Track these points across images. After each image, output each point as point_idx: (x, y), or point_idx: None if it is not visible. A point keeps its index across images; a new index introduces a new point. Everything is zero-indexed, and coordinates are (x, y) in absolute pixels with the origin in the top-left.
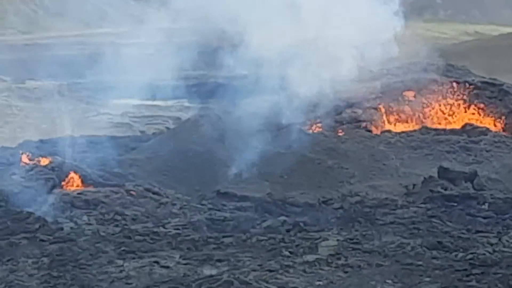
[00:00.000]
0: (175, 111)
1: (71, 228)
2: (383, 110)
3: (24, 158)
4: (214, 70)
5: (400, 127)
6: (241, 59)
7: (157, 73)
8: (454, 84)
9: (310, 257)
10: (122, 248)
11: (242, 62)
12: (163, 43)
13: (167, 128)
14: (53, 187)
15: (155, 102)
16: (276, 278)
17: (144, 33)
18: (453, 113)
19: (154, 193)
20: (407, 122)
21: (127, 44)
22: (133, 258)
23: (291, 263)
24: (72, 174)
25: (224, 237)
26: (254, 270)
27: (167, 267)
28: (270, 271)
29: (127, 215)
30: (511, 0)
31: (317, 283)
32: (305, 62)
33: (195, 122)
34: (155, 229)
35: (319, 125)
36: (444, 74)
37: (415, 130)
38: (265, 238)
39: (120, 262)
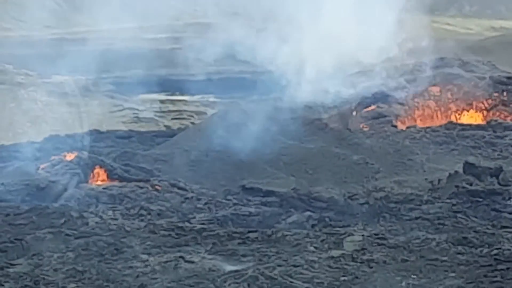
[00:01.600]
0: (200, 106)
1: (96, 222)
2: (408, 105)
3: (51, 153)
4: (240, 65)
5: (425, 123)
6: (266, 55)
7: (183, 68)
8: (479, 80)
9: (335, 253)
10: (147, 243)
11: (267, 57)
12: (189, 37)
13: (192, 123)
14: (79, 182)
15: (180, 97)
16: (301, 274)
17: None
18: (479, 108)
19: (179, 188)
20: (432, 117)
21: (152, 39)
22: (158, 253)
23: (316, 259)
24: (97, 169)
25: (249, 232)
26: (279, 266)
27: (192, 262)
28: (295, 266)
29: (152, 210)
30: None
31: (342, 278)
32: (330, 58)
33: (220, 117)
34: (180, 224)
35: (345, 120)
36: (470, 70)
37: (440, 126)
38: (290, 233)
39: (145, 257)
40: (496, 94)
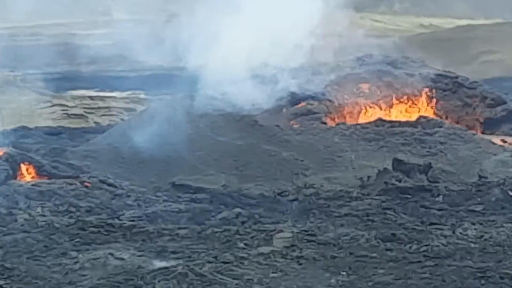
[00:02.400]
0: (130, 103)
1: (25, 219)
2: (338, 102)
3: None
4: (171, 61)
5: (355, 120)
6: (198, 50)
7: (113, 64)
8: (409, 76)
9: (264, 249)
10: (77, 240)
11: (199, 52)
12: (120, 34)
13: (122, 119)
14: (7, 178)
15: (110, 94)
16: (231, 270)
17: (101, 24)
18: (408, 105)
19: (109, 184)
20: (361, 114)
21: (83, 35)
22: (88, 250)
23: (246, 255)
24: (26, 165)
25: (179, 229)
26: (209, 262)
27: (122, 259)
28: (225, 263)
29: (81, 206)
30: None
31: (272, 275)
32: (260, 54)
33: (150, 113)
34: (109, 221)
35: (275, 117)
36: (399, 67)
37: (369, 123)
38: (220, 230)
39: (74, 253)
40: (426, 91)
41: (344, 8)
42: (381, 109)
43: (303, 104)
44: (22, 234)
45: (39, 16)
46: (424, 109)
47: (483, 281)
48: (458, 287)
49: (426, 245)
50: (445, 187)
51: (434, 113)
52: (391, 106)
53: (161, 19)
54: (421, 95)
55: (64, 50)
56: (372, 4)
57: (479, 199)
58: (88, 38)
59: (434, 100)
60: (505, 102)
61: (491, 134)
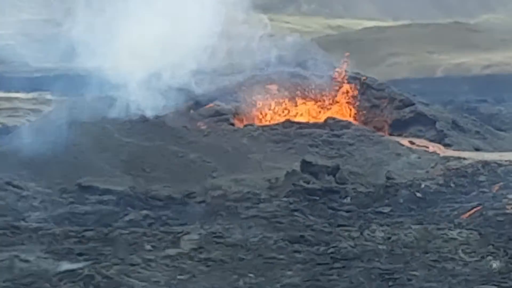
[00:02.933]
0: (37, 104)
1: None
2: (246, 103)
3: None
4: (77, 63)
5: (263, 121)
6: (104, 51)
7: (18, 65)
8: (318, 78)
9: (172, 251)
10: None
11: (105, 54)
12: (23, 35)
13: (28, 120)
14: None
15: (16, 94)
16: (138, 272)
17: (6, 25)
18: (317, 106)
19: (14, 186)
20: (270, 116)
21: None
22: None
23: (153, 257)
24: None
25: (85, 230)
26: (116, 264)
27: (27, 261)
28: (132, 265)
29: None
30: None
31: (179, 277)
32: (165, 55)
33: (56, 114)
34: (15, 223)
35: (182, 118)
36: (308, 68)
37: (277, 124)
38: (127, 232)
39: None
40: (333, 93)
41: (250, 9)
42: (289, 110)
43: (211, 105)
44: None
45: None
46: (332, 110)
47: (390, 283)
48: None
49: (334, 247)
50: (353, 188)
51: (342, 115)
52: (299, 108)
53: (67, 20)
54: (329, 96)
55: None
56: (281, 6)
57: (386, 200)
58: None
59: (342, 101)
60: (412, 104)
61: (399, 135)
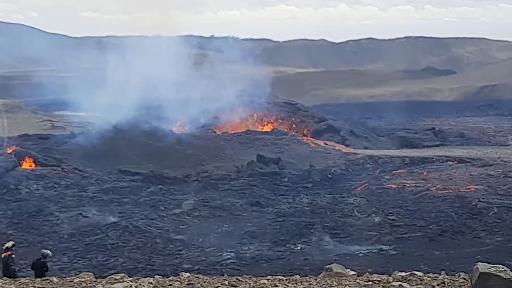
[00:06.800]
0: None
1: (26, 192)
2: (223, 119)
3: None
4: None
5: (233, 130)
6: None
7: None
8: (267, 104)
9: (177, 211)
10: (59, 205)
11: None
12: None
13: (88, 129)
14: (15, 166)
15: None
16: (156, 224)
17: None
18: (267, 121)
19: (79, 170)
20: (237, 127)
21: None
22: (65, 211)
23: (165, 214)
24: (27, 158)
25: (123, 198)
26: (142, 219)
27: (87, 216)
28: (152, 219)
29: (61, 184)
30: (303, 52)
31: (181, 226)
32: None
33: (102, 124)
34: (79, 193)
35: (183, 128)
36: (261, 97)
37: (242, 132)
38: (149, 199)
39: (57, 214)
40: (277, 113)
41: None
42: (250, 123)
43: (202, 119)
44: (24, 201)
45: None
46: (276, 124)
47: (312, 230)
48: (296, 233)
49: (277, 208)
50: (289, 172)
51: (282, 127)
52: (256, 122)
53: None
54: (275, 115)
55: None
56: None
57: (310, 179)
58: None
59: (282, 118)
60: (325, 120)
61: (317, 139)
